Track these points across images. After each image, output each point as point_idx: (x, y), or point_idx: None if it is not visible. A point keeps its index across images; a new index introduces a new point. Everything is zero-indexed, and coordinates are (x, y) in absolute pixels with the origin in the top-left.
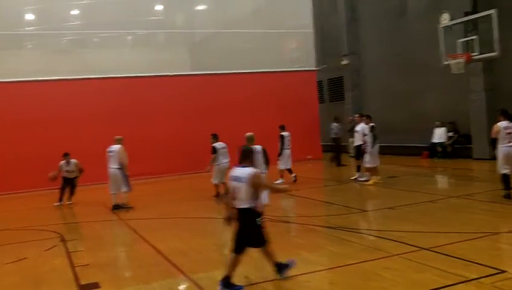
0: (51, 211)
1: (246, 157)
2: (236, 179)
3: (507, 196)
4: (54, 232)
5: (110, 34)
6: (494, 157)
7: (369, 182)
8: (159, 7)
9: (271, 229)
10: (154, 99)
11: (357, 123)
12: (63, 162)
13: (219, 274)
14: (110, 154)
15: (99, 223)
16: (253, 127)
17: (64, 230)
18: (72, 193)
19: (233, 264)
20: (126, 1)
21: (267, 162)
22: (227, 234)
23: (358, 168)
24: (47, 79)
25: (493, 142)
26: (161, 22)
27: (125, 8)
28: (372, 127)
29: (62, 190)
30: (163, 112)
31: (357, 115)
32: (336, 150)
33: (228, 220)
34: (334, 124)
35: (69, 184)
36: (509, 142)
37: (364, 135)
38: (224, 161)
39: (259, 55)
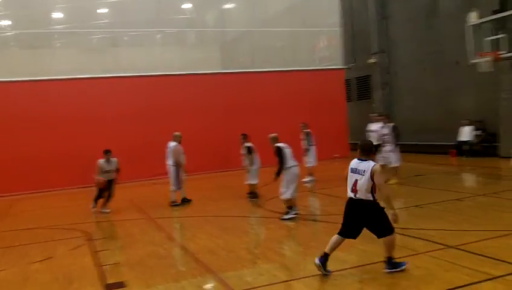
0: (80, 209)
1: (367, 151)
2: (357, 171)
3: None
4: (82, 231)
5: (140, 33)
6: None
7: (391, 182)
8: (188, 5)
9: (302, 228)
10: (184, 97)
11: (373, 123)
12: (102, 160)
13: (248, 273)
14: (167, 150)
15: (128, 222)
16: (281, 125)
17: (93, 229)
18: (109, 198)
19: (336, 245)
20: (156, 0)
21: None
22: (257, 233)
23: None
24: (78, 77)
25: None
26: (191, 21)
27: (155, 6)
28: (394, 126)
29: (100, 193)
30: (194, 110)
31: (375, 114)
32: None
33: None
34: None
35: (107, 188)
36: None
37: (383, 135)
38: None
39: (288, 54)
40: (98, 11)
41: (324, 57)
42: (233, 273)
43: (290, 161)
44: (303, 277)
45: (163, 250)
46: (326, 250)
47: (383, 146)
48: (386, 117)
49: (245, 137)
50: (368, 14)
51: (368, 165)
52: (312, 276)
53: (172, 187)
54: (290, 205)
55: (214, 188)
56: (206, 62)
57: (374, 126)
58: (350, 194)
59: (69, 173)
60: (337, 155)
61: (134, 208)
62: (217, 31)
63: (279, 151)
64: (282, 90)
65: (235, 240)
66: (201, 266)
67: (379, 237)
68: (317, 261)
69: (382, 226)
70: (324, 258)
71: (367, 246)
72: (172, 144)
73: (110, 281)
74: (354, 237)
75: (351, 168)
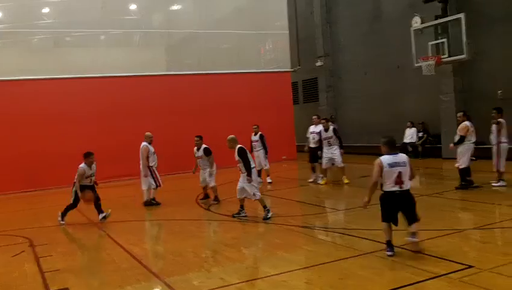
0: (20, 214)
1: (394, 146)
2: (398, 164)
3: (464, 187)
4: (22, 237)
5: (84, 33)
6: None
7: (345, 181)
8: (133, 6)
9: (251, 231)
10: (130, 99)
11: (314, 125)
12: (84, 165)
13: (195, 277)
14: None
15: (71, 227)
16: (229, 127)
17: (34, 235)
18: (99, 202)
19: (391, 231)
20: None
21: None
22: (205, 236)
23: (314, 170)
24: (19, 78)
25: (461, 140)
26: (137, 22)
27: (99, 7)
28: (334, 129)
29: (75, 204)
30: (139, 112)
31: (315, 116)
32: None
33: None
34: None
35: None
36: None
37: (329, 137)
38: None
39: (236, 56)
40: (41, 10)
41: (271, 60)
42: (179, 278)
43: (252, 162)
44: (251, 279)
45: (107, 255)
46: (388, 238)
47: (329, 148)
48: (327, 120)
49: (201, 138)
50: (313, 18)
51: (403, 156)
52: (260, 278)
53: (142, 186)
54: (242, 206)
55: (160, 191)
56: (152, 64)
57: (315, 128)
58: (394, 187)
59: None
60: (284, 157)
61: (78, 212)
62: (163, 33)
63: (244, 153)
64: (229, 92)
65: (182, 244)
66: (147, 271)
67: (411, 223)
68: (389, 253)
69: (414, 213)
70: (391, 247)
71: (313, 247)
72: (142, 143)
73: (53, 288)
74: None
75: (389, 164)
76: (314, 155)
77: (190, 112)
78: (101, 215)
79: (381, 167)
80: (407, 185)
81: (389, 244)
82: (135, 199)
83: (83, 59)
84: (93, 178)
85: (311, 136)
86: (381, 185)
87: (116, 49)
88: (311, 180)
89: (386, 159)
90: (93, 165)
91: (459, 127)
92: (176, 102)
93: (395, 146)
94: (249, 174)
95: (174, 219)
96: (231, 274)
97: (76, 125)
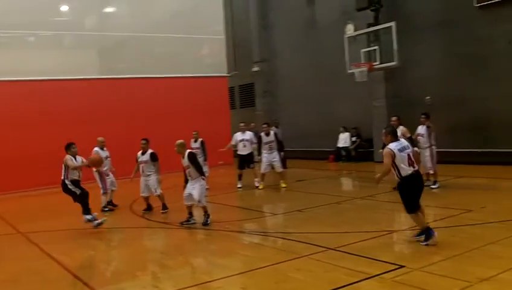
0: None
1: (397, 134)
2: (405, 148)
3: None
4: None
5: (13, 35)
6: None
7: (283, 185)
8: (65, 8)
9: (186, 237)
10: (60, 103)
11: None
12: (69, 156)
13: (128, 286)
14: None
15: None
16: (165, 132)
17: None
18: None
19: (422, 217)
20: (31, 0)
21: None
22: (138, 245)
23: (240, 177)
24: None
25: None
26: (69, 23)
27: (29, 8)
28: (275, 133)
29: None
30: (71, 117)
31: (242, 123)
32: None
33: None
34: (276, 129)
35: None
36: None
37: (270, 142)
38: None
39: (172, 60)
40: None
41: (207, 65)
42: (113, 287)
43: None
44: (186, 287)
45: (37, 266)
46: (424, 225)
47: (270, 153)
48: (268, 124)
49: (148, 142)
50: (250, 24)
51: (404, 141)
52: (196, 285)
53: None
54: (191, 213)
55: (93, 198)
56: (84, 67)
57: (243, 136)
58: (410, 170)
59: None
60: (221, 162)
61: (3, 221)
62: (96, 35)
63: (194, 158)
64: (165, 97)
65: (114, 253)
66: (78, 281)
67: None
68: (434, 236)
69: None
70: (431, 230)
71: (249, 252)
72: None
73: None
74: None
75: (399, 149)
76: (244, 162)
77: (123, 117)
78: (88, 217)
79: (392, 155)
80: (416, 166)
81: (429, 228)
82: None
83: (10, 61)
84: (80, 173)
85: (241, 144)
86: (399, 174)
87: (47, 52)
88: (239, 186)
89: (394, 146)
90: (78, 158)
91: (403, 130)
92: (109, 107)
93: (396, 134)
94: (203, 175)
95: (107, 227)
96: (166, 282)
97: (3, 130)
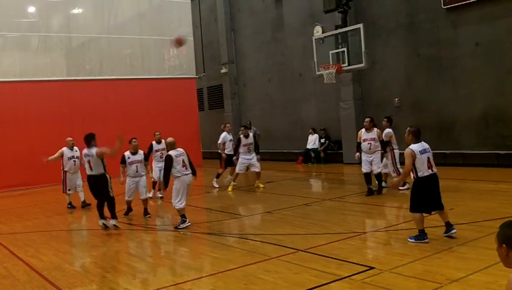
0: None
1: (419, 135)
2: (426, 150)
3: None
4: None
5: None
6: (361, 162)
7: (261, 186)
8: (31, 9)
9: (155, 239)
10: (26, 105)
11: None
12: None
13: (97, 288)
14: None
15: None
16: (133, 134)
17: None
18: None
19: (423, 220)
20: None
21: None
22: (107, 246)
23: (218, 176)
24: None
25: (358, 146)
26: (35, 25)
27: None
28: (254, 136)
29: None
30: (37, 119)
31: (229, 124)
32: None
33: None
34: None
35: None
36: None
37: (249, 144)
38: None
39: (138, 62)
40: None
41: (175, 66)
42: (82, 289)
43: (182, 169)
44: (155, 289)
45: (3, 269)
46: (422, 227)
47: (248, 154)
48: (246, 127)
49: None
50: (217, 25)
51: (425, 143)
52: (164, 287)
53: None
54: (183, 214)
55: (58, 201)
56: (50, 68)
57: (229, 136)
58: (428, 172)
59: None
60: None
61: None
62: (63, 36)
63: (168, 160)
64: (131, 98)
65: (83, 255)
66: (47, 284)
67: (441, 207)
68: (426, 240)
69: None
70: (425, 234)
71: (218, 254)
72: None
73: None
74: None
75: (420, 151)
76: (230, 161)
77: (91, 119)
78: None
79: (413, 156)
80: (435, 169)
81: (424, 233)
82: (35, 208)
83: None
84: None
85: (230, 144)
86: (415, 173)
87: (13, 53)
88: (217, 186)
89: (416, 147)
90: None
91: (379, 132)
92: (75, 108)
93: (419, 135)
94: (165, 183)
95: (75, 229)
96: (135, 284)
97: None
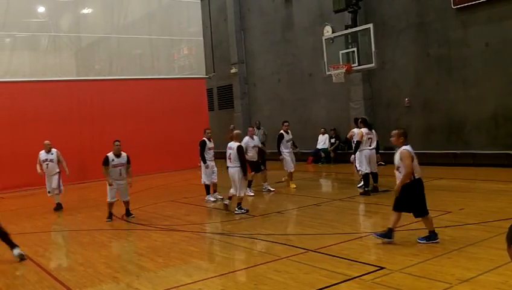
0: None
1: (407, 136)
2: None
3: (365, 193)
4: None
5: None
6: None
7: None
8: (41, 9)
9: (164, 238)
10: (37, 105)
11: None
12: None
13: (107, 288)
14: None
15: None
16: (143, 134)
17: None
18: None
19: (398, 221)
20: (5, 2)
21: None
22: (117, 246)
23: (249, 184)
24: None
25: (357, 146)
26: (44, 25)
27: (4, 8)
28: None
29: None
30: (47, 118)
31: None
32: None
33: None
34: (258, 131)
35: None
36: (370, 145)
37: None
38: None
39: (148, 62)
40: None
41: (185, 66)
42: (92, 289)
43: (228, 162)
44: (165, 289)
45: (13, 269)
46: (393, 227)
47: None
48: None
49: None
50: (227, 25)
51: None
52: (175, 287)
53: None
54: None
55: (69, 201)
56: (60, 69)
57: (254, 142)
58: (419, 173)
59: None
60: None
61: None
62: (72, 36)
63: (241, 150)
64: (141, 98)
65: (93, 255)
66: (57, 284)
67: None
68: (390, 240)
69: None
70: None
71: (229, 254)
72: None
73: None
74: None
75: (414, 153)
76: (257, 167)
77: (100, 119)
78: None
79: (411, 156)
80: None
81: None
82: (44, 208)
83: None
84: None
85: (254, 150)
86: (413, 176)
87: (22, 53)
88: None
89: (410, 148)
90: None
91: (354, 133)
92: (85, 108)
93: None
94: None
95: (82, 229)
96: (145, 284)
97: None
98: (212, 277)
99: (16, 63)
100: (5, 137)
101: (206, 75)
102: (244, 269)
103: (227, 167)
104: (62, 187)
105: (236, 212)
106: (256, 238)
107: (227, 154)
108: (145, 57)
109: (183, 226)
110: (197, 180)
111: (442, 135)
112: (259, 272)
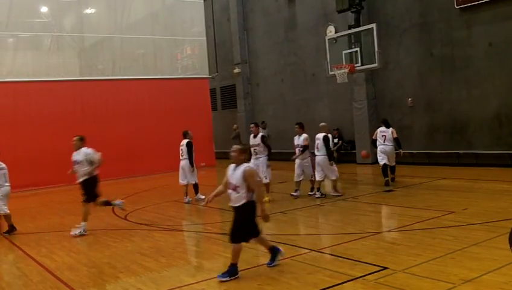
0: None
1: None
2: None
3: (386, 183)
4: None
5: None
6: (376, 162)
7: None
8: (44, 9)
9: (168, 239)
10: (39, 105)
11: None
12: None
13: (111, 288)
14: None
15: None
16: (146, 134)
17: None
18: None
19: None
20: (9, 1)
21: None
22: (120, 246)
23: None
24: None
25: (373, 143)
26: (48, 25)
27: (7, 8)
28: (262, 136)
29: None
30: (49, 118)
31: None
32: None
33: None
34: (263, 131)
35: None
36: (384, 142)
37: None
38: None
39: (151, 62)
40: None
41: (188, 66)
42: (95, 289)
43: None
44: (169, 289)
45: (16, 269)
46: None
47: (254, 158)
48: (256, 125)
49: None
50: (230, 25)
51: None
52: (177, 287)
53: None
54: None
55: (71, 201)
56: (63, 68)
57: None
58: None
59: None
60: (203, 164)
61: None
62: (75, 36)
63: (327, 139)
64: (144, 98)
65: (96, 255)
66: (61, 284)
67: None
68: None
69: None
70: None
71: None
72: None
73: None
74: None
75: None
76: None
77: (103, 119)
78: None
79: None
80: None
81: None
82: (47, 208)
83: None
84: (75, 167)
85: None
86: None
87: (25, 53)
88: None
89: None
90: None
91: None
92: (88, 108)
93: None
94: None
95: (88, 229)
96: (148, 284)
97: None
98: (215, 277)
99: (19, 63)
100: (8, 137)
101: (209, 75)
102: (248, 269)
103: (315, 155)
104: None
105: (317, 196)
106: None
107: (316, 144)
108: (148, 57)
109: (187, 226)
110: (200, 180)
111: (446, 134)
112: (263, 272)
